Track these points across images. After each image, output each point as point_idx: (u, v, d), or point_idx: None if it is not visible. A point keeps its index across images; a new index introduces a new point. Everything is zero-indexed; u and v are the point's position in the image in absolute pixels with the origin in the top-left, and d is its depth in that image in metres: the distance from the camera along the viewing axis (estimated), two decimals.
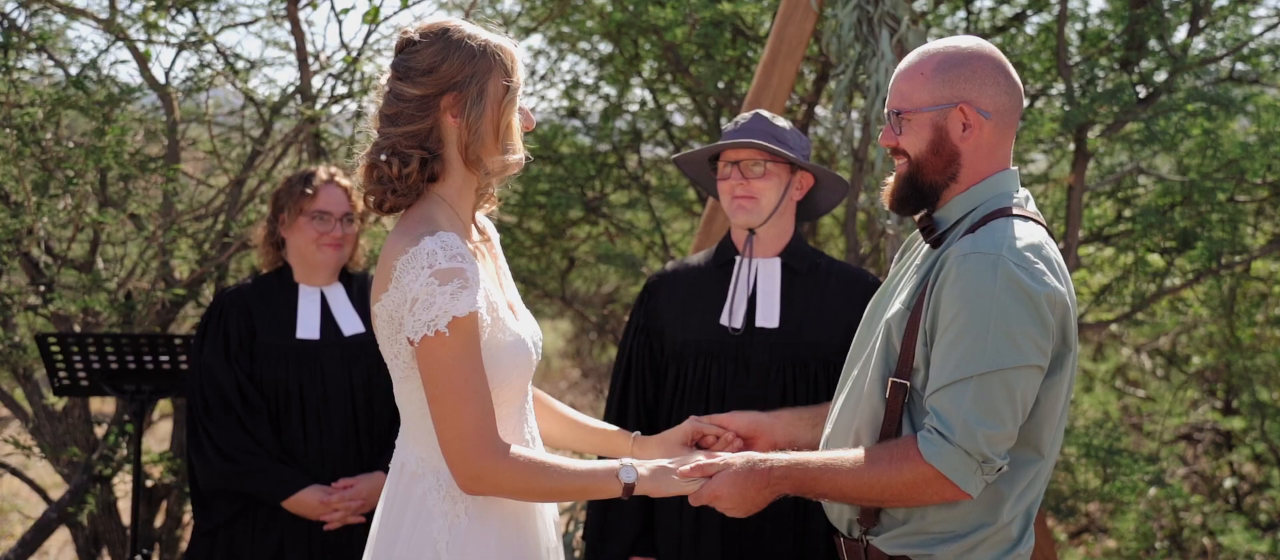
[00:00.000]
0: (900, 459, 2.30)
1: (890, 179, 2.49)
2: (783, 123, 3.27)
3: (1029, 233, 2.34)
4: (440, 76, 2.33)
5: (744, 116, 3.30)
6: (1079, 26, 5.36)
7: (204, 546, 3.72)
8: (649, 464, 2.41)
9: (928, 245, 2.48)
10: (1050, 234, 2.42)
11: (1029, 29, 5.47)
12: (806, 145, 3.31)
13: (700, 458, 2.42)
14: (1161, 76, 5.01)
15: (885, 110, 2.48)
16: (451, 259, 2.26)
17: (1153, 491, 5.53)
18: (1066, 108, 4.79)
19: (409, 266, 2.28)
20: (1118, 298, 5.86)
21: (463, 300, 2.25)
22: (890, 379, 2.38)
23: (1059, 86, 5.25)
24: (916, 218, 2.48)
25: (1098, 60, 5.09)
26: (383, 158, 2.34)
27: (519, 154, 2.40)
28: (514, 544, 2.44)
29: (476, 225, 2.51)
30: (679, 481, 2.39)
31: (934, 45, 2.45)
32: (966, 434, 2.25)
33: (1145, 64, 5.05)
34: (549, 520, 2.56)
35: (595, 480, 2.37)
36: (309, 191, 3.69)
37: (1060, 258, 2.36)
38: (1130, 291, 5.76)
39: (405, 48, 2.38)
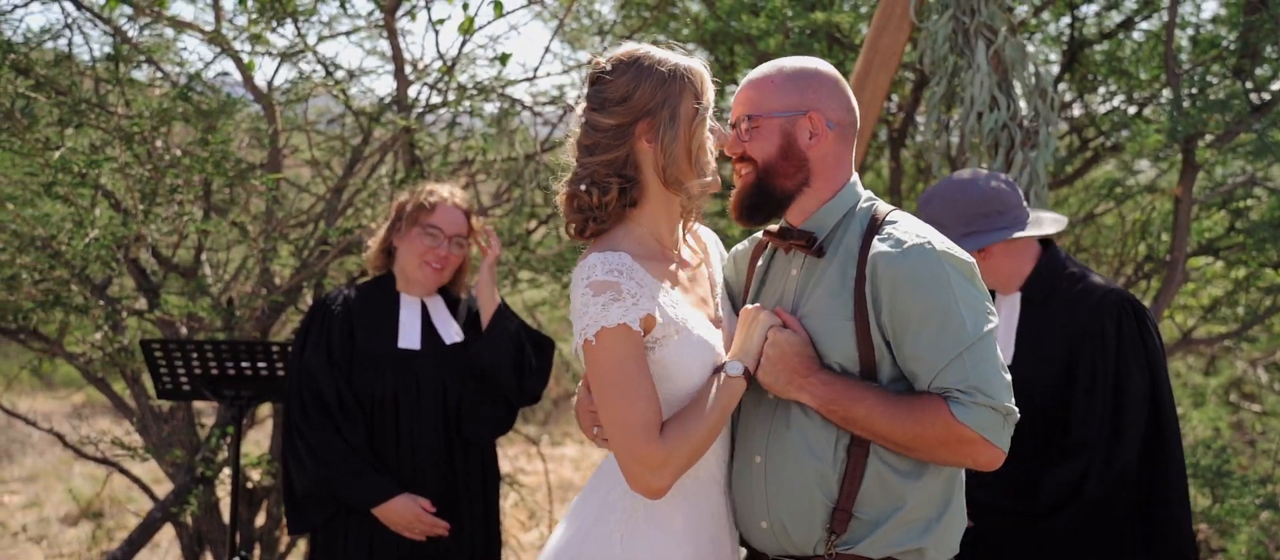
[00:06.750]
0: (933, 414, 2.31)
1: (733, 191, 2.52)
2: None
3: (925, 225, 2.44)
4: (634, 104, 2.40)
5: None
6: (1191, 32, 5.19)
7: (322, 542, 3.80)
8: (739, 352, 2.44)
9: (796, 254, 2.49)
10: None
11: (1136, 35, 5.31)
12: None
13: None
14: (1278, 85, 4.82)
15: (730, 122, 2.52)
16: (608, 273, 2.35)
17: (1265, 515, 5.32)
18: (1174, 117, 4.63)
19: (576, 280, 2.40)
20: (1230, 311, 5.66)
21: (612, 312, 2.33)
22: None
23: (1168, 94, 5.08)
24: (774, 231, 2.50)
25: (1210, 68, 4.92)
26: (583, 187, 2.43)
27: (712, 174, 2.45)
28: (691, 545, 2.48)
29: (695, 241, 2.61)
30: (761, 325, 2.42)
31: (780, 60, 2.52)
32: (992, 390, 2.31)
33: (1260, 71, 4.86)
34: (729, 525, 2.57)
35: (722, 396, 2.40)
36: (428, 206, 3.76)
37: None
38: (1243, 305, 5.56)
39: (598, 79, 2.46)
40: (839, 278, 2.42)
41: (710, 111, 2.45)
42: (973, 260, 2.40)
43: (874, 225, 2.43)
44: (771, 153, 2.45)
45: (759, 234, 2.65)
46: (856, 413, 2.35)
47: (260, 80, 4.82)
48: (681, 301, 2.45)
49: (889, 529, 2.38)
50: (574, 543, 2.52)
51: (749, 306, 2.49)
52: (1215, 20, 5.18)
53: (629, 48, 2.45)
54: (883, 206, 2.49)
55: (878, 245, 2.38)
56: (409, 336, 3.78)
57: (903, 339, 2.35)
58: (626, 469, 2.35)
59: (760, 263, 2.62)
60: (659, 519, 2.47)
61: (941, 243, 2.38)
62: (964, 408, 2.30)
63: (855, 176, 2.53)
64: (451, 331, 3.82)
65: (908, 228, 2.41)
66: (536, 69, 5.02)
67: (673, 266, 2.49)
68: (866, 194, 2.52)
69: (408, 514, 3.66)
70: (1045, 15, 5.36)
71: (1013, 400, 2.36)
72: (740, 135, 2.47)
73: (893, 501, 2.39)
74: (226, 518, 4.81)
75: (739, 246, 2.70)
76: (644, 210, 2.47)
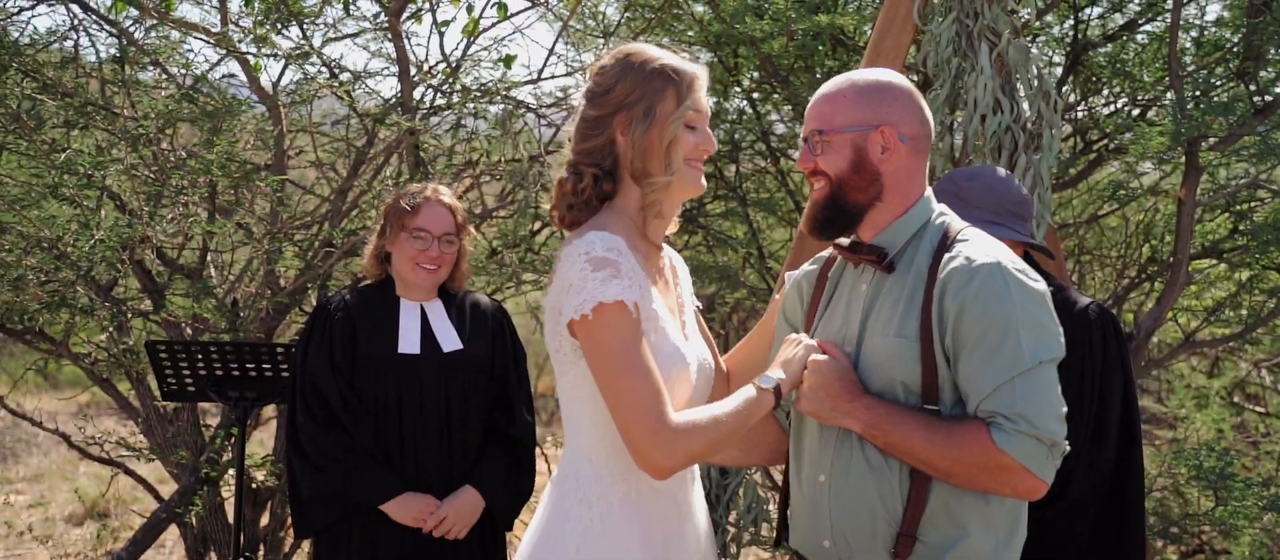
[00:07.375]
0: (971, 440, 2.27)
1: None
2: None
3: (997, 243, 2.39)
4: (613, 97, 2.45)
5: None
6: (1195, 35, 5.19)
7: (325, 544, 3.80)
8: (778, 368, 2.46)
9: (866, 270, 2.47)
10: None
11: (1140, 38, 5.31)
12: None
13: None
14: None
15: (801, 136, 2.50)
16: (607, 250, 2.36)
17: (1268, 517, 5.32)
18: (1178, 119, 4.63)
19: (568, 256, 2.39)
20: (1233, 313, 5.66)
21: (611, 288, 2.33)
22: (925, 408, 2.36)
23: (1171, 97, 5.09)
24: (844, 244, 2.48)
25: (1213, 70, 4.92)
26: (564, 175, 2.49)
27: (678, 174, 2.46)
28: (645, 551, 2.48)
29: (668, 262, 2.63)
30: (803, 349, 2.43)
31: (852, 73, 2.50)
32: (1039, 420, 2.26)
33: (1263, 74, 4.87)
34: (695, 524, 2.58)
35: (750, 405, 2.40)
36: (411, 208, 3.75)
37: None
38: (1247, 307, 5.56)
39: (594, 76, 2.52)
40: (907, 295, 2.39)
41: (698, 115, 2.46)
42: (1045, 288, 2.34)
43: (945, 242, 2.40)
44: (843, 167, 2.43)
45: (823, 255, 2.63)
46: (896, 436, 2.32)
47: (265, 82, 4.83)
48: (660, 302, 2.48)
49: (953, 559, 2.34)
50: (536, 556, 2.52)
51: (792, 334, 2.48)
52: (1219, 23, 5.18)
53: (627, 46, 2.51)
54: (956, 223, 2.45)
55: (949, 263, 2.35)
56: (409, 341, 3.78)
57: (959, 358, 2.31)
58: (636, 447, 2.32)
59: (831, 274, 2.60)
60: (614, 527, 2.46)
61: (1013, 264, 2.33)
62: (1005, 434, 2.25)
63: (928, 191, 2.49)
64: (451, 339, 3.81)
65: (980, 246, 2.36)
66: (541, 71, 5.04)
67: (654, 267, 2.53)
68: (940, 208, 2.48)
69: (414, 506, 3.67)
70: (1049, 18, 5.37)
71: (1064, 434, 2.30)
72: (811, 150, 2.46)
73: (957, 529, 2.35)
74: (231, 518, 4.82)
75: (802, 269, 2.68)
76: (624, 203, 2.49)
